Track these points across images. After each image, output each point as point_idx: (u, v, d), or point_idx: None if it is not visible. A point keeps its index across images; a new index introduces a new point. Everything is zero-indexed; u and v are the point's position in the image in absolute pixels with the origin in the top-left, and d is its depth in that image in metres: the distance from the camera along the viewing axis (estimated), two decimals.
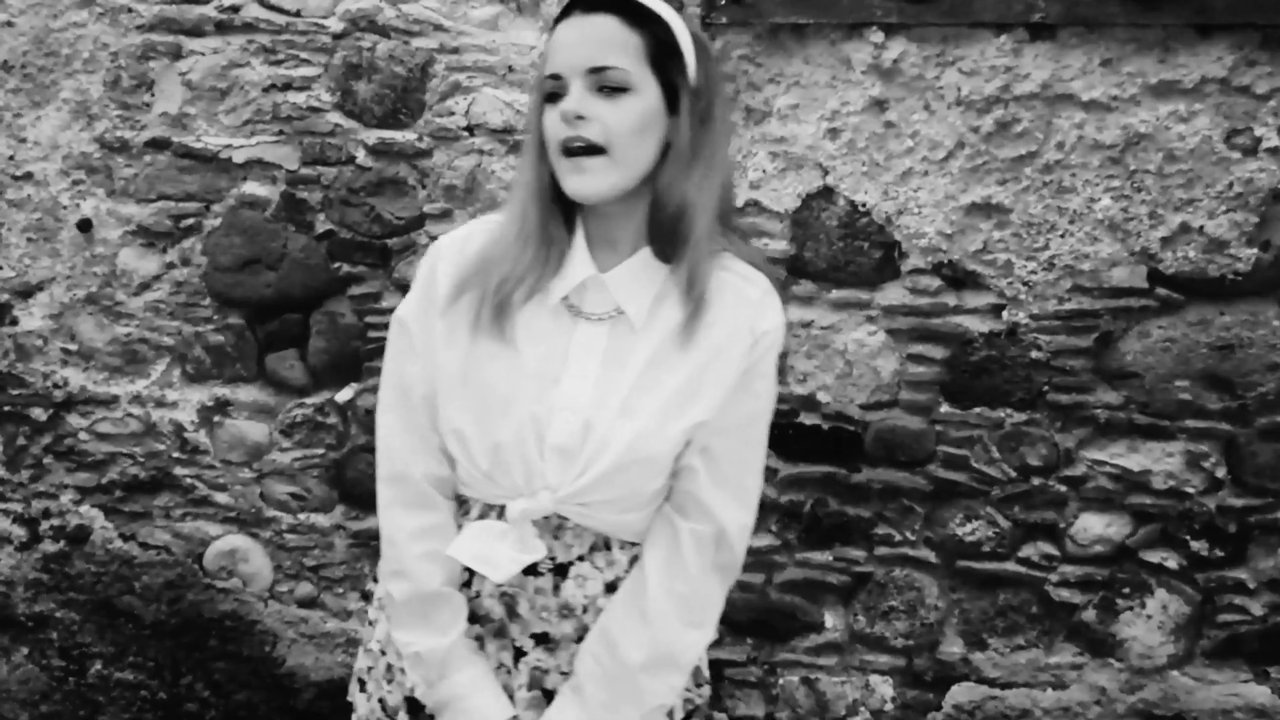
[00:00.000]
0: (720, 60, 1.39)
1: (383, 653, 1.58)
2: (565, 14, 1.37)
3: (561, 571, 1.45)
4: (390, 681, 1.57)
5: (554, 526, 1.44)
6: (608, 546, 1.45)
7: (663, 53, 1.36)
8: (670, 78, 1.36)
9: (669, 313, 1.39)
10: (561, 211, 1.41)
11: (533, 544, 1.41)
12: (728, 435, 1.40)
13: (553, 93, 1.35)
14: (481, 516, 1.46)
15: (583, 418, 1.38)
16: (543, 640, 1.48)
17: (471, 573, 1.48)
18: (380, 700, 1.58)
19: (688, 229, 1.37)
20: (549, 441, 1.39)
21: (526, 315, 1.41)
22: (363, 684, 1.63)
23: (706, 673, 1.60)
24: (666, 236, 1.38)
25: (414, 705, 1.54)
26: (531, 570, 1.44)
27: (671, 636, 1.42)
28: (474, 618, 1.49)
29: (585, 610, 1.47)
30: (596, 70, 1.32)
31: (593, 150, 1.33)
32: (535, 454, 1.39)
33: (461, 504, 1.49)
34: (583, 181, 1.34)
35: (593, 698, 1.43)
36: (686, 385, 1.38)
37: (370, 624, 1.63)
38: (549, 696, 1.49)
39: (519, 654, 1.49)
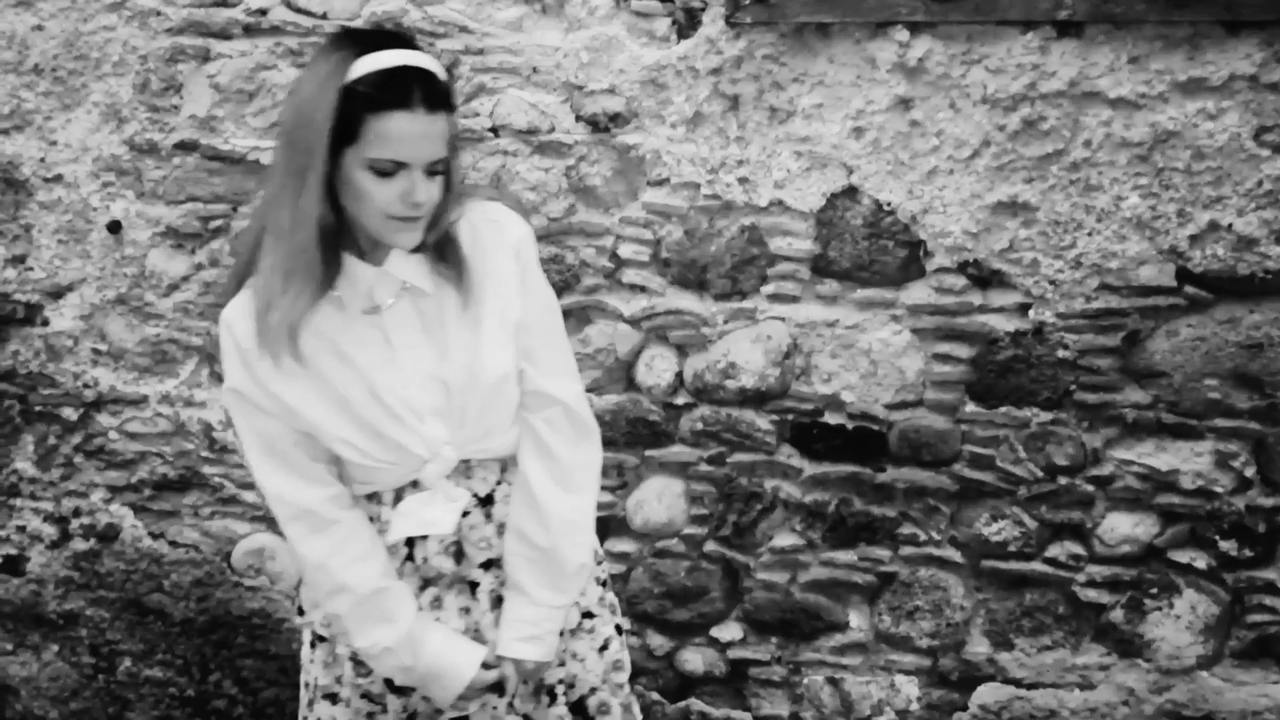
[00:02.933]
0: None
1: (351, 659, 1.73)
2: (404, 104, 1.53)
3: (488, 501, 1.70)
4: (364, 675, 1.73)
5: (464, 470, 1.68)
6: (513, 463, 1.71)
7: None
8: (455, 147, 1.65)
9: (447, 272, 1.65)
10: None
11: (456, 493, 1.67)
12: (533, 332, 1.68)
13: (387, 171, 1.54)
14: (397, 499, 1.68)
15: (435, 378, 1.63)
16: (490, 566, 1.71)
17: (410, 545, 1.69)
18: (364, 695, 1.74)
19: (439, 230, 1.65)
20: (423, 410, 1.63)
21: (336, 327, 1.62)
22: (334, 696, 1.76)
23: (600, 551, 1.87)
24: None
25: (392, 683, 1.72)
26: (462, 514, 1.68)
27: (560, 507, 1.67)
28: (426, 582, 1.70)
29: None
30: (435, 162, 1.57)
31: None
32: (418, 424, 1.63)
33: (371, 498, 1.69)
34: (413, 237, 1.59)
35: (531, 586, 1.68)
36: (494, 304, 1.65)
37: (311, 646, 1.79)
38: None
39: (474, 586, 1.71)
